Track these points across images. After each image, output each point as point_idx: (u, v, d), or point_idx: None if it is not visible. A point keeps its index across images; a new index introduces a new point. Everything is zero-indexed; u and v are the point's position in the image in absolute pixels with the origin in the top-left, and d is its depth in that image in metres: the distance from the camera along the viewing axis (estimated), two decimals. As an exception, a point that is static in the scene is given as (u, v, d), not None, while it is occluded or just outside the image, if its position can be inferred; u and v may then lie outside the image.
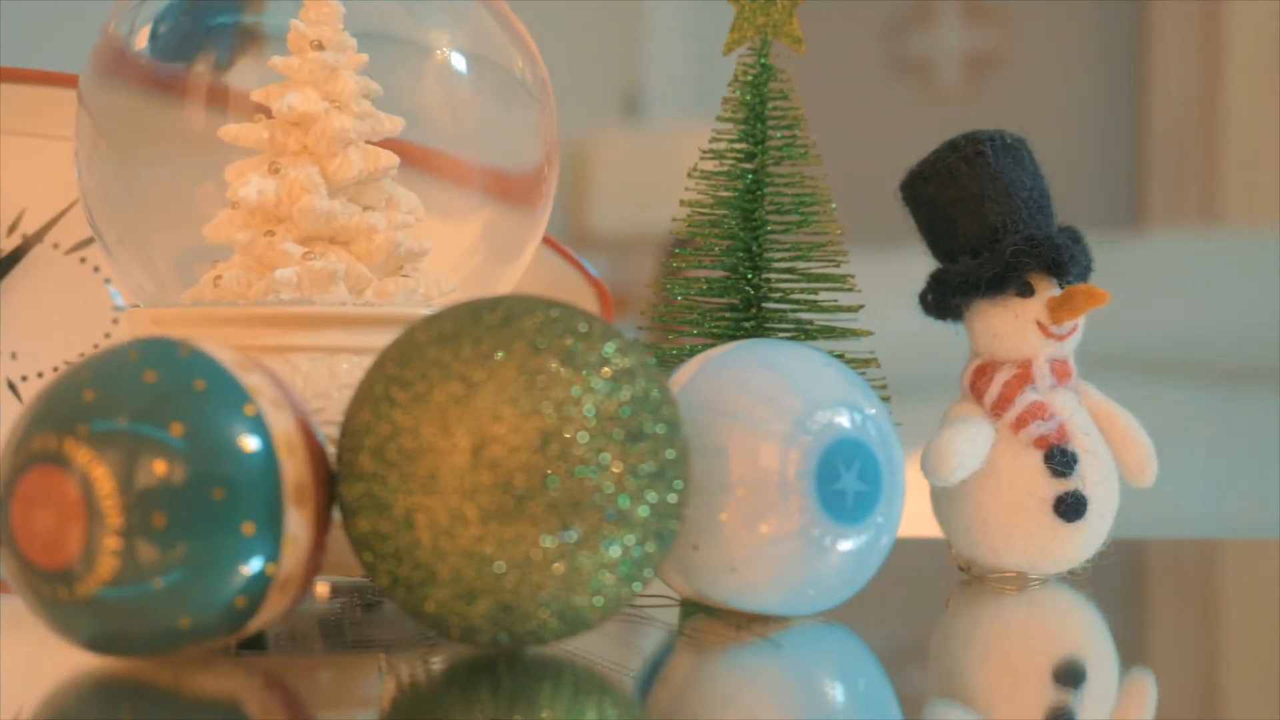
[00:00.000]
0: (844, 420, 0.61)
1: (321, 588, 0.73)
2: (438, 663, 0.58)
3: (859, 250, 3.16)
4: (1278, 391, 2.96)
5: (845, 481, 0.60)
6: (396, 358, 0.55)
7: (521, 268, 0.75)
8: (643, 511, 0.54)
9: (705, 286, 0.75)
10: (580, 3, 3.54)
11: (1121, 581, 0.79)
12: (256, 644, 0.63)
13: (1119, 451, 0.73)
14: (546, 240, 0.85)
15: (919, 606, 0.76)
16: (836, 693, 0.60)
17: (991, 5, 3.87)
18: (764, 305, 0.75)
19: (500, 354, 0.53)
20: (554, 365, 0.53)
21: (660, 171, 3.29)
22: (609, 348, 0.55)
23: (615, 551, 0.53)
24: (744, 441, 0.60)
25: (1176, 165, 3.64)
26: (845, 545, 0.61)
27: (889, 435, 0.62)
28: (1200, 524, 2.86)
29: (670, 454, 0.55)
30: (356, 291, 0.68)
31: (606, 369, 0.54)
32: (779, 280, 0.75)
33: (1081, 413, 0.72)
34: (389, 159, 0.68)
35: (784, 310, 0.75)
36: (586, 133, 3.42)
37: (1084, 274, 0.73)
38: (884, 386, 0.76)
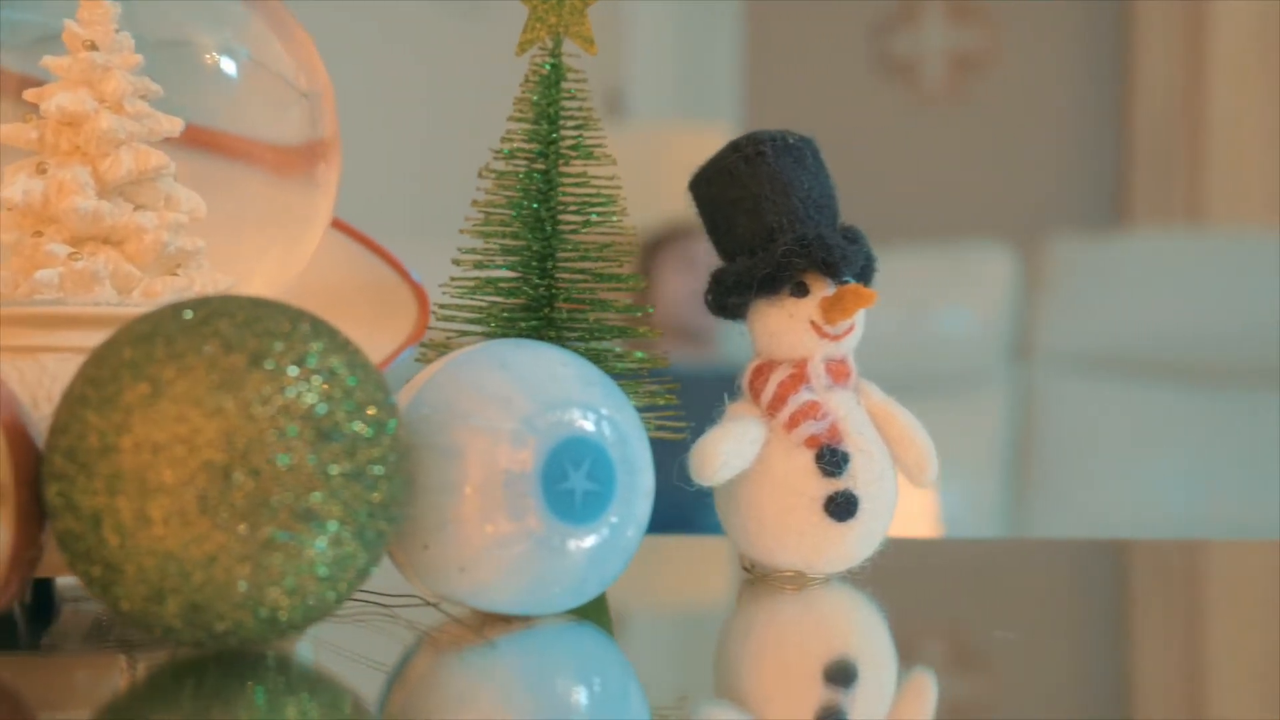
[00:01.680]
0: (575, 420, 0.61)
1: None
2: (171, 662, 0.59)
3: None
4: (1261, 391, 2.95)
5: (573, 481, 0.60)
6: (96, 358, 0.55)
7: (304, 253, 0.75)
8: (339, 511, 0.54)
9: (493, 288, 0.74)
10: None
11: (905, 580, 0.79)
12: (10, 643, 0.63)
13: (897, 451, 0.73)
14: (369, 244, 0.86)
15: (701, 606, 0.76)
16: (569, 692, 0.60)
17: (977, 5, 3.85)
18: (554, 305, 0.75)
19: (190, 354, 0.53)
20: (245, 365, 0.53)
21: (642, 172, 3.28)
22: (313, 348, 0.55)
23: (309, 551, 0.54)
24: (473, 441, 0.60)
25: (1161, 164, 3.62)
26: (575, 544, 0.61)
27: (629, 435, 0.62)
28: (1185, 523, 2.85)
29: (375, 453, 0.55)
30: (125, 291, 0.68)
31: (303, 369, 0.54)
32: (568, 281, 0.75)
33: (859, 412, 0.72)
34: (159, 159, 0.69)
35: (573, 310, 0.75)
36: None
37: (865, 274, 0.73)
38: (674, 387, 0.76)
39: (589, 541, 0.61)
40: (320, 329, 0.56)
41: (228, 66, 0.73)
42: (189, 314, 0.55)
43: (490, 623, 0.64)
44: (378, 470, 0.55)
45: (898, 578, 0.78)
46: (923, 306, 3.08)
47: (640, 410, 0.75)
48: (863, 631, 0.72)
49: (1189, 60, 3.59)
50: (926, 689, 0.62)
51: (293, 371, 0.54)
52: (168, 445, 0.52)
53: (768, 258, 0.70)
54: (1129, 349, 3.02)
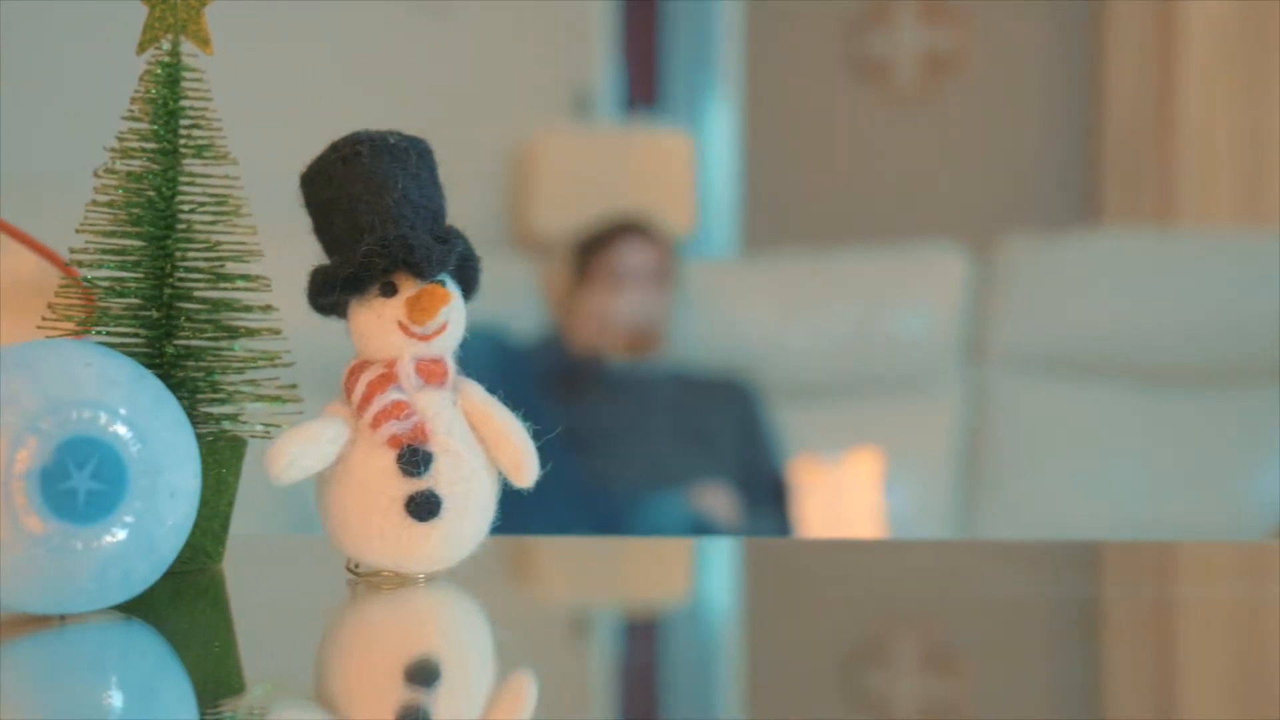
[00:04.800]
0: (84, 419, 0.61)
1: None
2: None
3: (816, 250, 3.18)
4: (1215, 392, 2.92)
5: (76, 480, 0.60)
6: None
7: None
8: None
9: (108, 287, 0.75)
10: (536, 3, 3.54)
11: (503, 580, 0.79)
12: None
13: (493, 451, 0.72)
14: (38, 248, 0.86)
15: (307, 606, 0.76)
16: (83, 691, 0.60)
17: (950, 6, 3.83)
18: (175, 305, 0.75)
19: None
20: None
21: (609, 172, 3.28)
22: None
23: None
24: (-21, 441, 0.60)
25: (1131, 165, 3.60)
26: (84, 544, 0.61)
27: (155, 435, 0.62)
28: (1139, 525, 2.83)
29: None
30: None
31: None
32: (189, 280, 0.75)
33: (452, 413, 0.72)
34: None
35: (195, 310, 0.75)
36: (534, 132, 3.42)
37: (465, 274, 0.72)
38: (294, 387, 0.76)
39: (101, 541, 0.61)
40: None
41: None
42: None
43: (20, 622, 0.64)
44: None
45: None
46: (877, 306, 3.07)
47: (260, 407, 0.76)
48: (455, 631, 0.72)
49: (1159, 62, 3.57)
50: (524, 689, 0.62)
51: None
52: None
53: (352, 257, 0.70)
54: (1083, 350, 3.00)
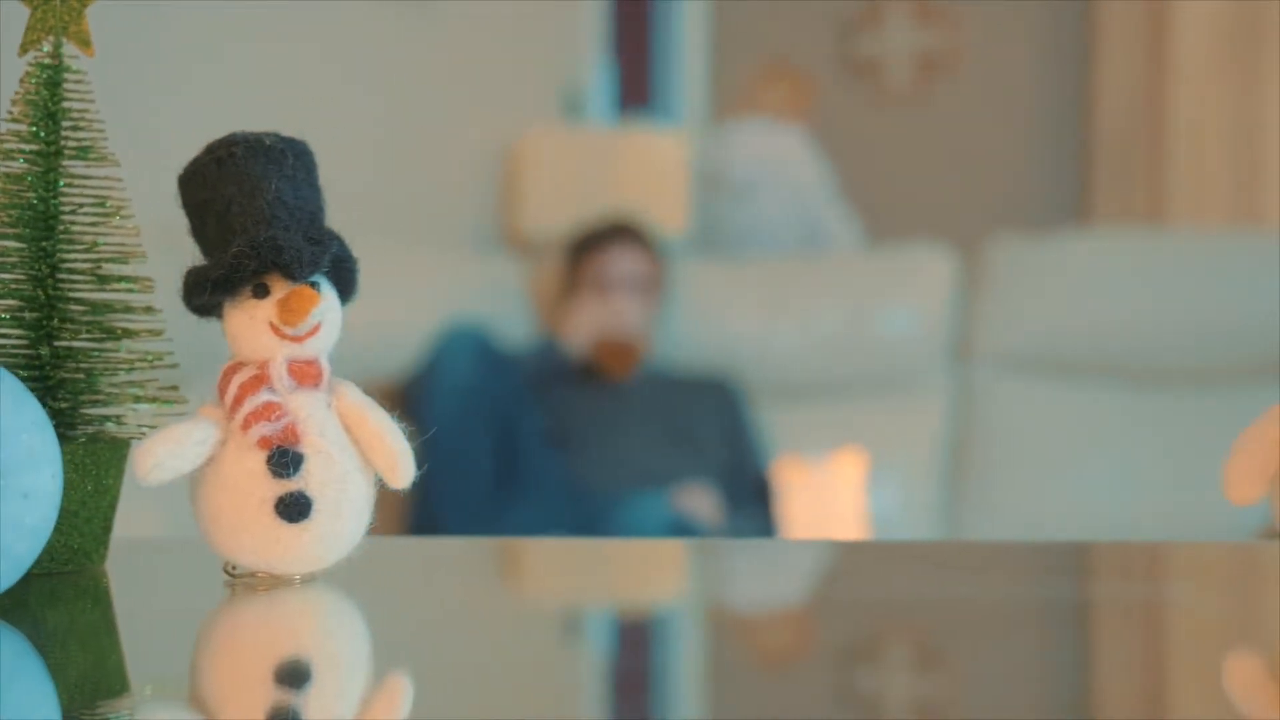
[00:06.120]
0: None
1: None
2: None
3: (803, 249, 3.14)
4: (1200, 392, 2.92)
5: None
6: None
7: None
8: None
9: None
10: (526, 2, 3.54)
11: (383, 579, 0.79)
12: None
13: (368, 453, 0.72)
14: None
15: (178, 608, 0.76)
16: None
17: (942, 6, 3.83)
18: (55, 307, 0.75)
19: None
20: None
21: (599, 173, 3.28)
22: None
23: None
24: None
25: (1122, 164, 3.59)
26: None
27: (9, 439, 0.62)
28: (1125, 526, 2.82)
29: None
30: None
31: None
32: (69, 282, 0.75)
33: (325, 414, 0.71)
34: None
35: (75, 312, 0.75)
36: (524, 133, 3.42)
37: (341, 276, 0.72)
38: (175, 389, 0.76)
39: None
40: None
41: None
42: None
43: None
44: None
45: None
46: (864, 306, 3.06)
47: (145, 408, 0.76)
48: (329, 632, 0.72)
49: (1150, 62, 3.56)
50: (399, 691, 0.62)
51: None
52: None
53: (223, 258, 0.70)
54: (1070, 350, 2.99)
